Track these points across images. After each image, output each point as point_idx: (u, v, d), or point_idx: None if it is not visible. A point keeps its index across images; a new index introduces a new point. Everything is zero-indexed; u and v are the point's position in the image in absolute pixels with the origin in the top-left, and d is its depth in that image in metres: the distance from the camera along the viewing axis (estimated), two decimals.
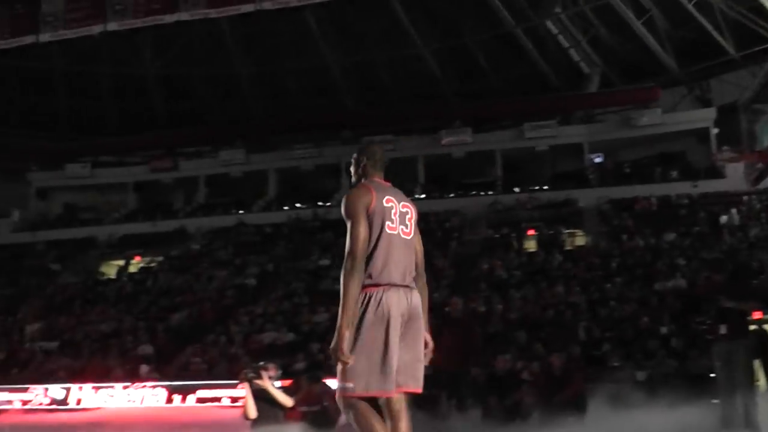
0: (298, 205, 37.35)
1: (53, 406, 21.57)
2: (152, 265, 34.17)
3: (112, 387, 21.76)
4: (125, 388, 21.63)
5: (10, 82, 42.00)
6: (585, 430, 9.87)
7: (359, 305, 4.87)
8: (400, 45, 38.51)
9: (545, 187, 35.42)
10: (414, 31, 38.36)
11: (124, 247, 36.88)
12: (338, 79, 40.39)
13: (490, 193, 35.65)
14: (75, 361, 24.15)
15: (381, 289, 4.92)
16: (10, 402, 22.09)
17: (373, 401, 4.91)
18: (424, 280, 5.29)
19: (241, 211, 37.82)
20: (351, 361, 4.78)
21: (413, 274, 5.16)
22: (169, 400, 20.96)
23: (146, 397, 21.25)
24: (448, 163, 37.15)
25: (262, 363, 10.09)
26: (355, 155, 5.53)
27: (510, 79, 38.75)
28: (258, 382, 9.53)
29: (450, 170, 37.31)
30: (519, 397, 11.59)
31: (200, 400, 20.58)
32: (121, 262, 35.37)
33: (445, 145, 37.18)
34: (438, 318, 16.91)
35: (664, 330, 18.54)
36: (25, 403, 22.02)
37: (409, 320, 4.99)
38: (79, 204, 42.74)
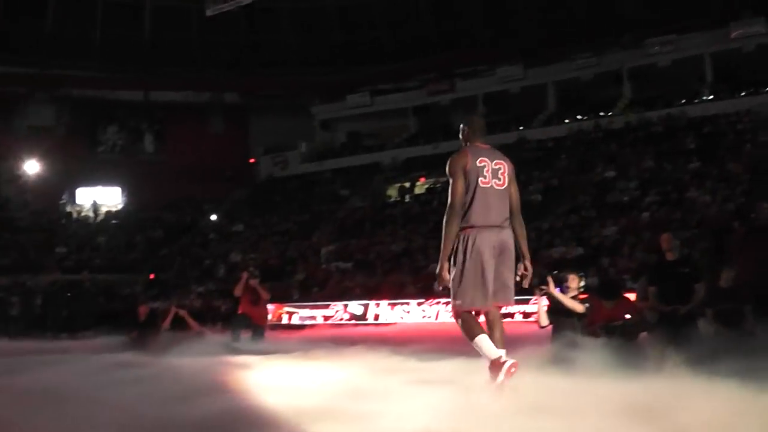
0: (579, 117, 36.07)
1: (353, 321, 22.34)
2: (437, 185, 34.52)
3: (407, 303, 22.16)
4: (420, 304, 21.96)
5: (287, 23, 43.59)
6: None
7: (462, 243, 6.31)
8: None
9: None
10: None
11: (408, 170, 37.58)
12: None
13: None
14: (369, 279, 24.86)
15: (476, 230, 6.28)
16: (313, 318, 23.17)
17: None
18: (520, 218, 6.58)
19: (521, 128, 37.12)
20: (449, 283, 6.33)
21: (506, 216, 6.45)
22: None
23: (441, 312, 21.45)
24: (737, 58, 34.14)
25: (556, 272, 10.05)
26: (461, 126, 6.79)
27: None
28: (550, 291, 9.62)
29: (740, 66, 34.30)
30: None
31: None
32: (406, 185, 36.03)
33: (735, 38, 34.02)
34: (742, 226, 15.77)
35: None
36: (326, 318, 23.01)
37: (500, 253, 6.35)
38: (361, 132, 43.95)
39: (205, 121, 46.22)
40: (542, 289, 9.80)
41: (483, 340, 6.21)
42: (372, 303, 22.75)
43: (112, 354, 12.68)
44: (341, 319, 22.67)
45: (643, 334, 10.51)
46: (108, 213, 42.74)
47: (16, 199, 41.09)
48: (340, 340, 13.09)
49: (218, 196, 41.32)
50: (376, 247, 28.19)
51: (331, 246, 29.73)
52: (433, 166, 36.23)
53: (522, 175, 30.52)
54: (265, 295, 15.35)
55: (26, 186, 42.15)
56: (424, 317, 21.72)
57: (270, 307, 20.27)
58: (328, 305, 23.45)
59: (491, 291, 6.29)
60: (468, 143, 6.63)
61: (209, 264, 32.61)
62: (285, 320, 23.76)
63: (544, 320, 9.90)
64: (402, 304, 22.27)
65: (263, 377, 8.62)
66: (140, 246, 37.35)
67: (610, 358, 7.07)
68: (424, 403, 5.80)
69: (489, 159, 6.43)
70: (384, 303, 22.58)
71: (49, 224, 39.11)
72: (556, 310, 9.89)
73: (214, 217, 40.31)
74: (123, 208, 43.49)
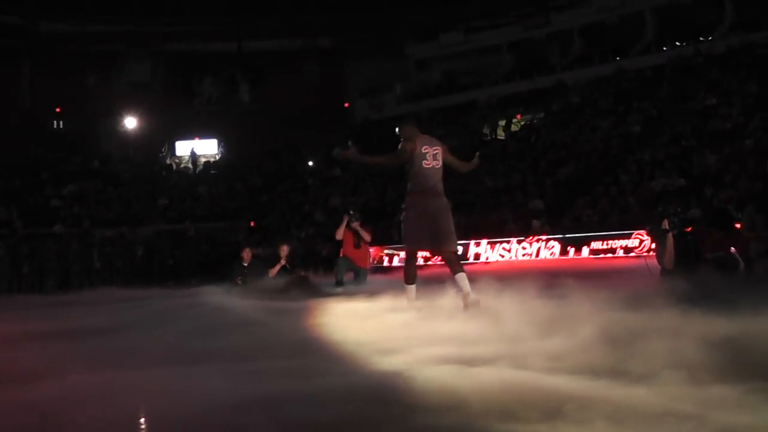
0: (678, 43, 34.62)
1: None
2: (534, 121, 33.89)
3: (507, 242, 21.88)
4: (520, 242, 21.67)
5: None
6: None
7: (410, 204, 9.23)
8: None
9: None
10: None
11: (505, 107, 37.07)
12: None
13: None
14: (468, 218, 24.51)
15: (419, 194, 9.11)
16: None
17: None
18: (464, 163, 9.92)
19: (618, 58, 36.02)
20: (352, 157, 9.94)
21: (441, 186, 9.16)
22: (563, 253, 20.72)
23: (541, 250, 21.18)
24: None
25: (661, 209, 9.37)
26: (405, 125, 9.52)
27: None
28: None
29: None
30: None
31: (594, 252, 20.17)
32: (503, 122, 35.51)
33: None
34: None
35: None
36: (426, 259, 22.84)
37: (438, 212, 9.09)
38: (456, 70, 43.32)
39: (300, 68, 46.27)
40: (667, 230, 9.18)
41: (411, 289, 9.24)
42: (471, 242, 22.50)
43: (197, 297, 13.09)
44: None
45: (742, 265, 10.05)
46: (207, 163, 43.43)
47: (118, 154, 41.98)
48: (431, 280, 13.16)
49: (315, 142, 41.37)
50: (475, 185, 27.79)
51: None
52: (530, 102, 35.64)
53: (620, 107, 30.03)
54: (366, 237, 15.43)
55: (127, 141, 43.10)
56: (524, 255, 21.45)
57: (371, 249, 20.33)
58: None
59: (435, 239, 9.16)
60: (414, 135, 9.27)
61: (309, 209, 32.78)
62: (386, 262, 23.74)
63: (669, 262, 9.24)
64: (502, 242, 21.96)
65: (333, 315, 9.57)
66: (240, 194, 37.79)
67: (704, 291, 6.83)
68: (456, 333, 6.76)
69: (430, 146, 9.22)
70: (483, 242, 22.32)
71: (150, 177, 39.86)
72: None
73: (311, 163, 40.46)
74: (221, 157, 44.14)
